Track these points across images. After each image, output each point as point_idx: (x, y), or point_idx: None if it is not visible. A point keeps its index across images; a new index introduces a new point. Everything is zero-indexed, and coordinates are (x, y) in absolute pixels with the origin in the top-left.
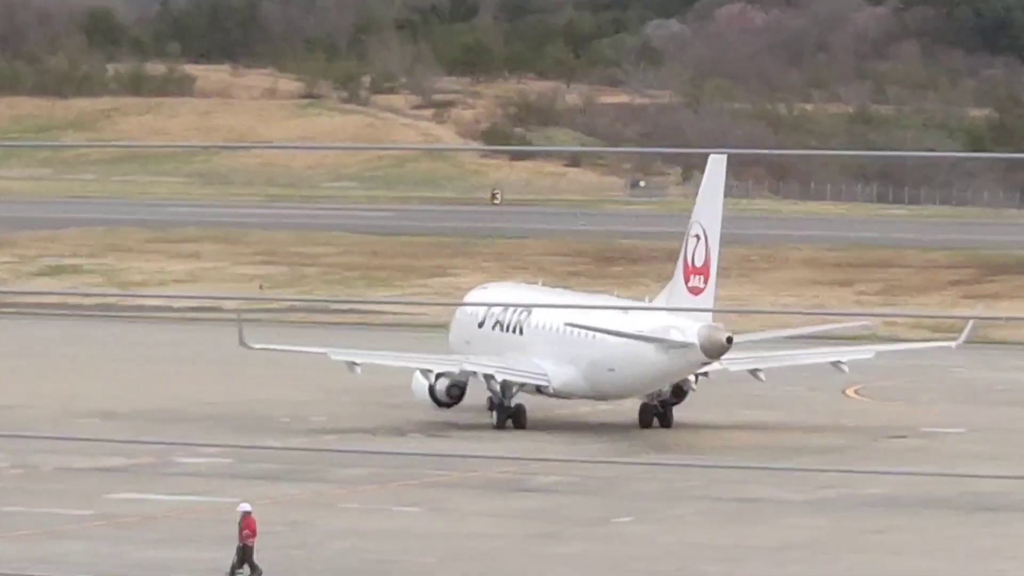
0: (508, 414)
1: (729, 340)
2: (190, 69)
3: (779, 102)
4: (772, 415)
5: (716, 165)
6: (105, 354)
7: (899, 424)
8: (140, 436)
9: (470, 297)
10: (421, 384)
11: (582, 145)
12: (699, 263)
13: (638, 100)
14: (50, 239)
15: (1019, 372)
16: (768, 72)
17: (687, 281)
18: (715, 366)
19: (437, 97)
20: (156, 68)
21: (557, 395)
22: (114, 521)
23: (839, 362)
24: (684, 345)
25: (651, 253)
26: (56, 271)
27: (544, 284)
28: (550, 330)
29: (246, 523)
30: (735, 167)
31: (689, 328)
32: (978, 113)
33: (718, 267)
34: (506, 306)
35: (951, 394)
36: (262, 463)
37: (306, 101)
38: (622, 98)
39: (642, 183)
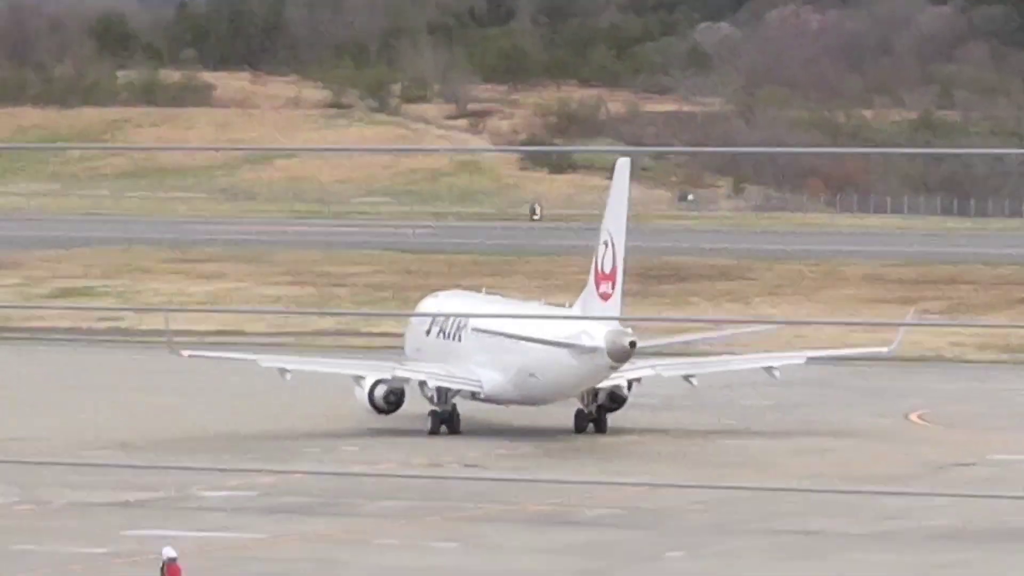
0: (442, 419)
1: (632, 344)
2: (208, 77)
3: (837, 109)
4: (831, 441)
5: (621, 170)
6: (121, 382)
7: (967, 452)
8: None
9: (422, 305)
10: (361, 392)
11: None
12: (607, 269)
13: (686, 108)
14: (60, 259)
15: None
16: (826, 77)
17: (597, 287)
18: (647, 371)
19: (472, 106)
20: (171, 76)
21: (489, 400)
22: (132, 559)
23: (771, 367)
24: (593, 349)
25: (701, 270)
26: (67, 293)
27: (489, 292)
28: (482, 336)
29: (170, 572)
30: (791, 178)
31: (598, 333)
32: None
33: (624, 272)
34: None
35: (1021, 419)
36: (290, 496)
37: (333, 111)
38: (669, 106)
39: (691, 196)
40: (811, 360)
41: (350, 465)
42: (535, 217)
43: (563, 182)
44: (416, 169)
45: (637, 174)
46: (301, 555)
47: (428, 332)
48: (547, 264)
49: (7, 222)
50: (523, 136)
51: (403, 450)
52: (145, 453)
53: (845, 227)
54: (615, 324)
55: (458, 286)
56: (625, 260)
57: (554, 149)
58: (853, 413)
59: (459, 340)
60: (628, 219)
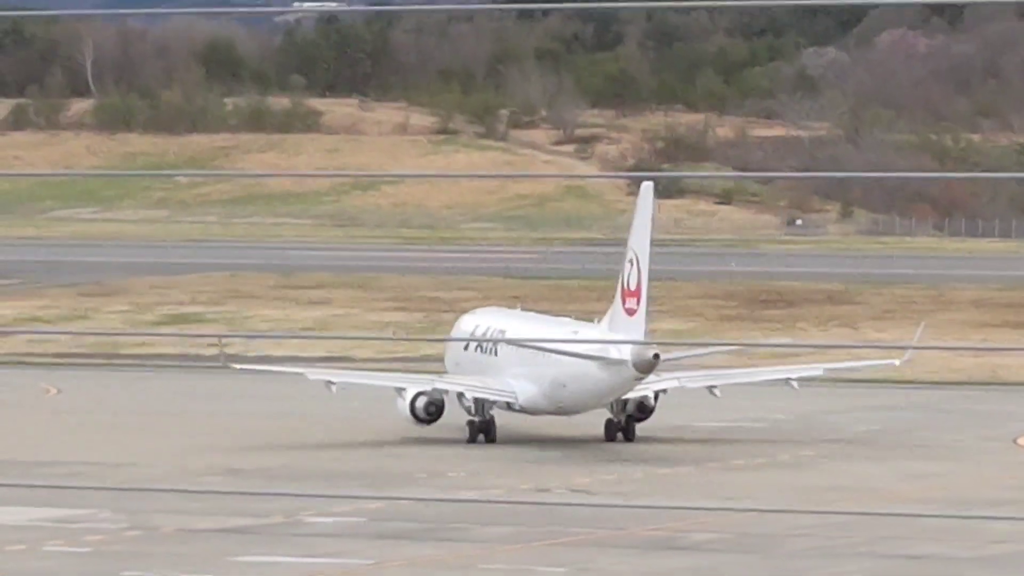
0: (479, 429)
1: (656, 356)
2: (315, 103)
3: (945, 132)
4: (939, 465)
5: (645, 193)
6: (227, 408)
7: None
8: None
9: (460, 321)
10: (403, 403)
11: (735, 183)
12: (632, 287)
13: (794, 132)
14: (168, 286)
15: None
16: (933, 100)
17: (624, 303)
18: (672, 383)
19: (580, 131)
20: (279, 102)
21: (523, 411)
22: None
23: (789, 379)
24: (620, 362)
25: (809, 295)
26: (174, 320)
27: (523, 308)
28: (517, 351)
29: None
30: (899, 202)
31: (624, 346)
32: None
33: (648, 290)
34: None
35: None
36: (398, 522)
37: (440, 137)
38: (777, 131)
39: (799, 221)
40: (828, 371)
41: (457, 491)
42: None
43: (671, 207)
44: (523, 195)
45: (747, 200)
46: None
47: (466, 347)
48: (656, 289)
49: (115, 248)
50: (631, 161)
51: (510, 476)
52: (253, 479)
53: (953, 251)
54: (640, 337)
55: (564, 312)
56: (650, 279)
57: (662, 175)
58: (961, 437)
59: (495, 354)
60: (738, 244)
